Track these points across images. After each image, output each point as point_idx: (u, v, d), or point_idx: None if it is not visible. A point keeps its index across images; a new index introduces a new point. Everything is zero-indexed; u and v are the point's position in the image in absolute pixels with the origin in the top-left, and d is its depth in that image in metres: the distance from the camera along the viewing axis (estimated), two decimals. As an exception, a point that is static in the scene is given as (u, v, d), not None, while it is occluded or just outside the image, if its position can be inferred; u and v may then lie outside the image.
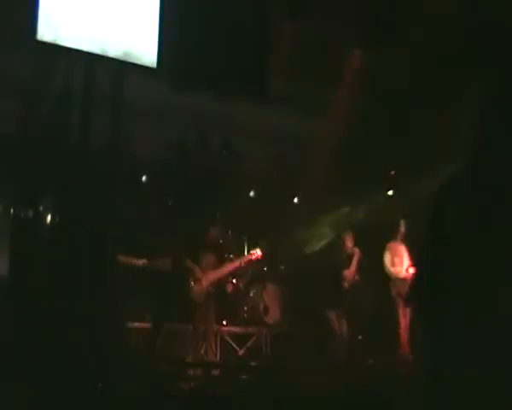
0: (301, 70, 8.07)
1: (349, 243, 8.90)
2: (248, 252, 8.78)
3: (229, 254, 8.92)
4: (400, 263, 8.99)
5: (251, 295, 9.56)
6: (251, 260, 8.62)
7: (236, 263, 8.59)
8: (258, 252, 8.57)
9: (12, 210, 6.38)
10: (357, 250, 8.83)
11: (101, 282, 5.95)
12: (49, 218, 6.10)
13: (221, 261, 8.53)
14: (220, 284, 8.53)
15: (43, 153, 6.16)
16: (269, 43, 7.36)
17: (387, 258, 9.05)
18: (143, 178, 9.34)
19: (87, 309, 5.77)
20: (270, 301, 9.70)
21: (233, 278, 9.04)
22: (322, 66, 8.07)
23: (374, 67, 8.17)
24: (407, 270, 8.86)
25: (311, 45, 7.94)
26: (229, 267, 8.56)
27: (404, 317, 8.77)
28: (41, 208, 6.10)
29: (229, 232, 9.20)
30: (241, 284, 9.17)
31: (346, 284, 8.76)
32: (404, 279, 8.82)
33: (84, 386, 5.27)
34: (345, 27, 7.73)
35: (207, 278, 8.31)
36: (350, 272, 8.79)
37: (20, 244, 6.01)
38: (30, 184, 6.15)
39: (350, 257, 8.87)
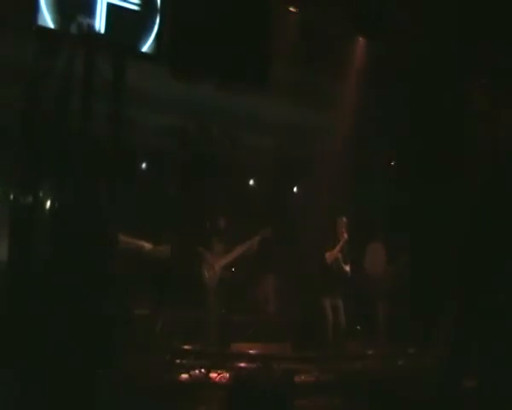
0: (302, 59, 8.05)
1: (342, 227, 8.76)
2: (258, 233, 8.68)
3: (239, 239, 8.79)
4: (379, 263, 9.17)
5: (251, 284, 9.57)
6: (261, 239, 8.62)
7: (246, 245, 8.60)
8: (268, 232, 8.62)
9: (12, 197, 6.34)
10: (344, 235, 8.70)
11: (103, 268, 5.92)
12: (50, 204, 6.07)
13: (231, 247, 8.60)
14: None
15: (43, 139, 6.13)
16: (270, 32, 7.33)
17: (367, 258, 9.20)
18: (143, 165, 9.35)
19: (88, 296, 5.75)
20: (269, 290, 9.72)
21: (232, 267, 9.02)
22: (323, 55, 8.05)
23: (376, 55, 8.18)
24: (385, 269, 9.14)
25: (312, 34, 7.92)
26: (239, 250, 8.60)
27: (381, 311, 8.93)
28: (42, 195, 6.08)
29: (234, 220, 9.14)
30: (240, 274, 9.14)
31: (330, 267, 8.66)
32: (382, 277, 8.99)
33: (84, 372, 5.28)
34: (345, 16, 7.72)
35: (219, 263, 8.39)
36: (331, 254, 8.62)
37: (20, 231, 5.98)
38: (30, 170, 6.12)
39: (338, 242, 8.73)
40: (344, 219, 8.78)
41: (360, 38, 8.45)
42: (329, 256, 8.60)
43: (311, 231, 9.47)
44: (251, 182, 10.37)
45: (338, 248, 8.61)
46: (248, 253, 8.75)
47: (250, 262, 9.04)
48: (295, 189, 10.62)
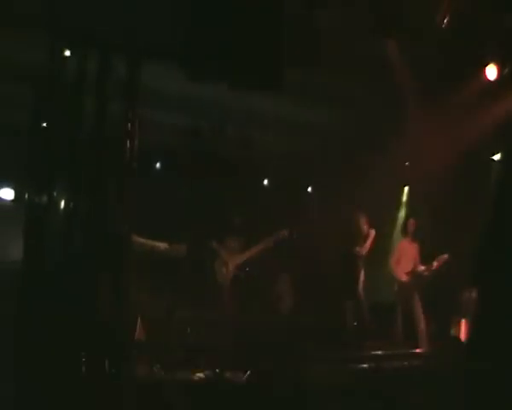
0: (316, 59, 8.02)
1: (364, 225, 8.76)
2: (275, 233, 8.66)
3: (253, 238, 8.78)
4: (407, 262, 8.98)
5: (264, 284, 9.56)
6: (278, 240, 8.58)
7: (264, 244, 8.57)
8: (285, 232, 8.57)
9: (26, 196, 6.37)
10: (372, 231, 8.71)
11: (117, 268, 5.93)
12: (64, 205, 6.09)
13: (246, 246, 8.56)
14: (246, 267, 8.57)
15: (58, 140, 6.16)
16: (284, 32, 7.30)
17: (393, 256, 9.08)
18: (158, 164, 9.38)
19: (101, 296, 5.77)
20: (283, 290, 9.70)
21: (246, 266, 9.01)
22: (337, 55, 8.01)
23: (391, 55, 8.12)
24: (415, 268, 8.93)
25: (326, 34, 7.88)
26: (254, 249, 8.55)
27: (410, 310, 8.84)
28: (56, 195, 6.10)
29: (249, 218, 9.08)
30: (254, 273, 9.12)
31: (359, 262, 8.64)
32: (411, 277, 8.86)
33: (95, 373, 5.29)
34: (361, 16, 7.66)
35: (234, 261, 8.34)
36: (363, 249, 8.67)
37: (35, 232, 6.00)
38: (44, 171, 6.14)
39: (365, 238, 8.77)
40: (364, 216, 8.75)
41: (376, 38, 8.38)
42: (360, 251, 8.55)
43: (328, 230, 9.45)
44: (267, 180, 10.39)
45: (368, 244, 8.58)
46: (264, 252, 8.72)
47: (265, 261, 9.04)
48: (311, 188, 10.61)
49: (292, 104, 8.34)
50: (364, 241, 8.75)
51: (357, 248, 8.64)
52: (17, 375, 5.09)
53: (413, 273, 8.91)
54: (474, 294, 7.65)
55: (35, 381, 4.98)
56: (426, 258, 9.02)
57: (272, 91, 6.99)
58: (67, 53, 6.02)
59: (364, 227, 8.71)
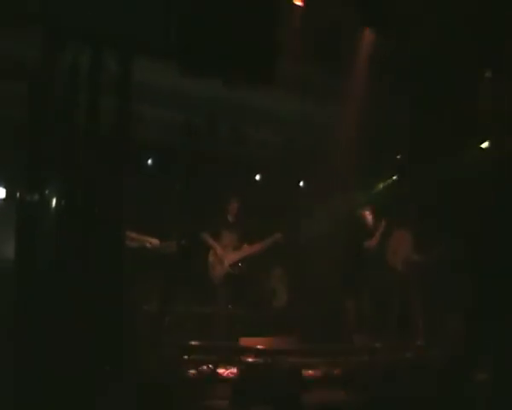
0: (311, 55, 8.02)
1: (370, 218, 8.88)
2: (269, 235, 8.64)
3: (248, 233, 8.74)
4: (403, 251, 8.98)
5: (258, 277, 9.57)
6: (272, 244, 8.58)
7: (258, 246, 8.54)
8: (278, 235, 8.55)
9: (18, 194, 6.34)
10: (379, 223, 8.83)
11: (110, 264, 5.92)
12: (56, 202, 6.07)
13: (241, 241, 8.53)
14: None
15: (51, 137, 6.13)
16: (279, 28, 7.29)
17: (390, 246, 9.06)
18: (152, 160, 9.35)
19: (95, 293, 5.76)
20: (277, 283, 9.72)
21: (240, 262, 8.97)
22: (332, 51, 8.01)
23: (386, 50, 8.12)
24: (410, 258, 8.89)
25: (321, 30, 7.88)
26: (250, 249, 8.53)
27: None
28: (48, 193, 6.07)
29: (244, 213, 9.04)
30: (248, 267, 9.11)
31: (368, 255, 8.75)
32: (407, 267, 8.83)
33: (91, 369, 5.29)
34: (357, 11, 7.67)
35: (228, 258, 8.28)
36: (373, 242, 8.80)
37: (27, 229, 5.98)
38: (36, 169, 6.12)
39: (371, 232, 8.89)
40: (369, 209, 8.83)
41: (370, 33, 8.38)
42: (371, 244, 8.74)
43: (324, 225, 9.47)
44: (263, 176, 10.37)
45: (377, 236, 8.78)
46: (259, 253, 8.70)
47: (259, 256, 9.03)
48: (306, 183, 10.61)
49: (287, 99, 8.35)
50: (372, 233, 8.87)
51: (368, 242, 8.77)
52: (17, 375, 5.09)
53: (408, 262, 8.87)
54: (470, 288, 7.71)
55: (35, 381, 4.98)
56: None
57: (268, 87, 7.01)
58: (61, 50, 5.97)
59: (369, 218, 8.82)
